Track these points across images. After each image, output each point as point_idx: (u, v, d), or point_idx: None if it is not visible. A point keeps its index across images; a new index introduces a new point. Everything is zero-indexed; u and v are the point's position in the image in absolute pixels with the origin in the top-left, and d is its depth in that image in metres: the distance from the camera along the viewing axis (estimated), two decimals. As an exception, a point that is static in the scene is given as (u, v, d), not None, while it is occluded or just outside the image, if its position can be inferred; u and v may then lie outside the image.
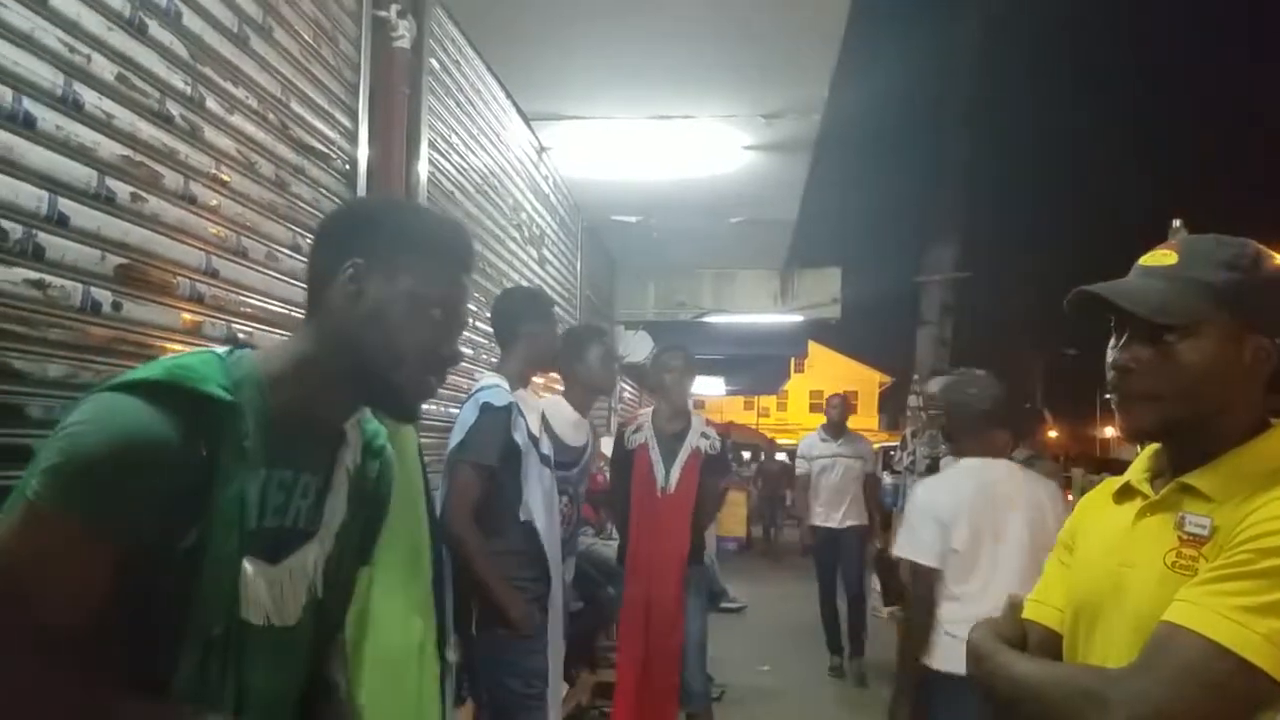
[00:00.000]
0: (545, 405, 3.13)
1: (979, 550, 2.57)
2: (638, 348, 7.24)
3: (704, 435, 3.86)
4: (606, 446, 4.57)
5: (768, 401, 31.27)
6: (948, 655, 2.50)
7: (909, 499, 3.14)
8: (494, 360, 3.80)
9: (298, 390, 1.08)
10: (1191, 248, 1.15)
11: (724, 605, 8.06)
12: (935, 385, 3.56)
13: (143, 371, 1.01)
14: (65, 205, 1.50)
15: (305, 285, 1.16)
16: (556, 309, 3.35)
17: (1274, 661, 0.95)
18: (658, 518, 3.74)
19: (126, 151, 1.65)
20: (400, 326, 1.10)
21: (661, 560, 3.72)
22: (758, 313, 8.21)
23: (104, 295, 1.60)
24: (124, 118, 1.64)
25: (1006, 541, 2.56)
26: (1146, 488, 1.19)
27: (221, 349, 1.09)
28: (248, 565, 1.04)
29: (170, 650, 0.98)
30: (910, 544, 2.67)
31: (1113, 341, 1.17)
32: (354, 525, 1.20)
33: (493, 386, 2.66)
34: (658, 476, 3.76)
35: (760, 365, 11.70)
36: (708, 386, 13.90)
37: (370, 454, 1.24)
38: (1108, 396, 1.17)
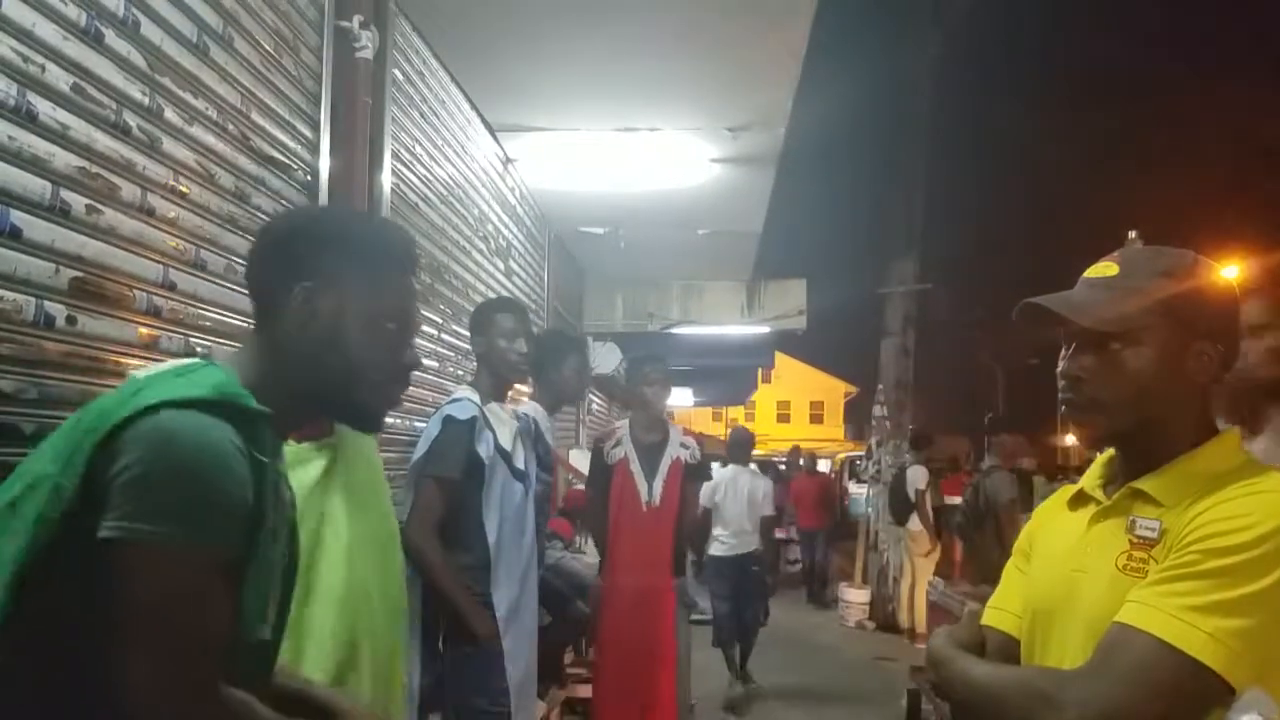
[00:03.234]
0: (530, 410, 3.12)
1: (725, 503, 6.29)
2: (606, 359, 7.23)
3: (683, 445, 3.84)
4: (576, 459, 4.53)
5: (735, 413, 31.36)
6: (715, 547, 6.27)
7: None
8: (460, 372, 3.79)
9: (264, 404, 1.08)
10: (1132, 258, 1.20)
11: (694, 618, 8.03)
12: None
13: (184, 389, 0.98)
14: (18, 217, 1.47)
15: (251, 299, 1.16)
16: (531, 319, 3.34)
17: (1221, 659, 0.97)
18: (643, 532, 3.71)
19: (82, 163, 1.62)
20: (359, 346, 1.11)
21: (649, 574, 3.69)
22: (725, 324, 8.24)
23: (58, 309, 1.56)
24: (80, 128, 1.61)
25: (736, 501, 6.31)
26: (1099, 494, 1.21)
27: (191, 361, 1.09)
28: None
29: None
30: (703, 496, 5.34)
31: (1063, 352, 1.20)
32: (292, 530, 1.21)
33: (459, 400, 2.65)
34: (641, 490, 3.73)
35: (728, 377, 11.74)
36: (676, 398, 13.91)
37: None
38: (1060, 406, 1.20)
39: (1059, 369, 1.20)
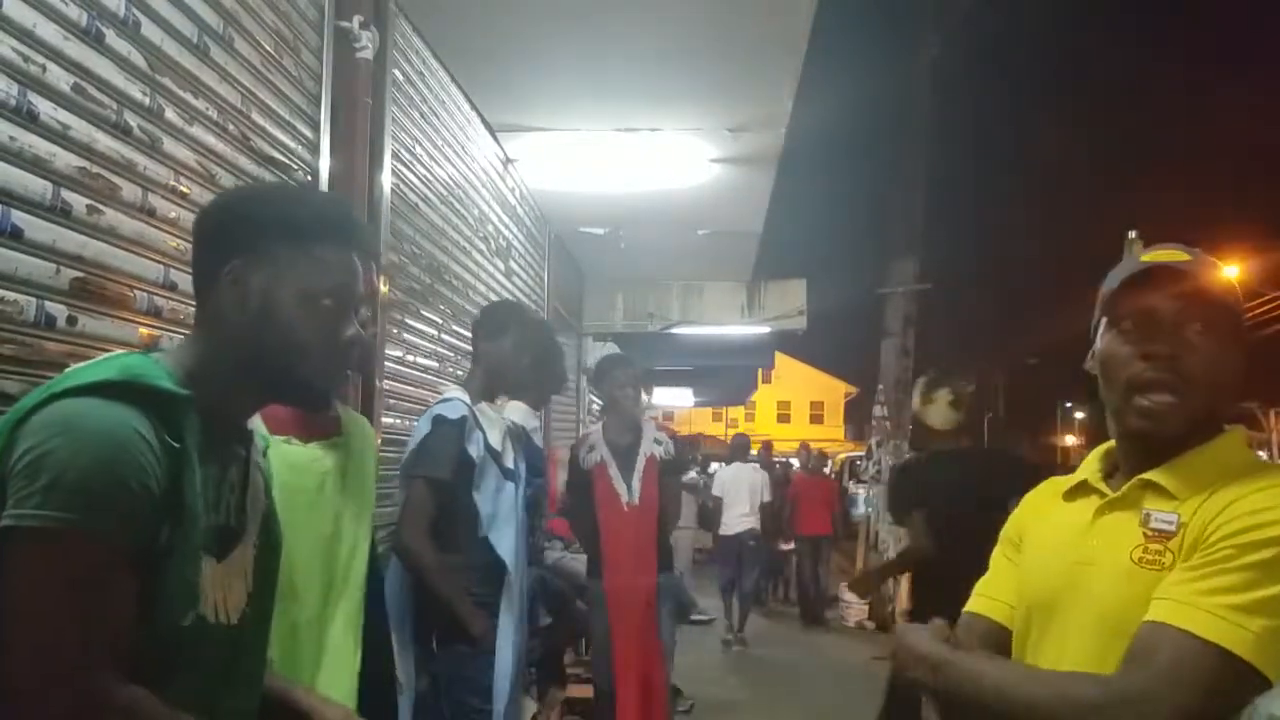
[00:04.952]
0: (509, 412, 3.12)
1: (729, 493, 8.59)
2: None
3: (656, 441, 3.88)
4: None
5: (735, 413, 31.35)
6: (723, 528, 8.50)
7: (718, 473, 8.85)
8: (460, 372, 3.79)
9: (207, 389, 1.07)
10: (1194, 253, 1.16)
11: (693, 618, 8.06)
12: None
13: (90, 374, 0.98)
14: (19, 218, 1.47)
15: (193, 286, 1.14)
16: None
17: (1261, 655, 0.96)
18: (628, 532, 3.74)
19: (83, 163, 1.62)
20: (294, 324, 1.08)
21: (638, 573, 3.72)
22: (725, 324, 8.25)
23: (59, 309, 1.56)
24: (80, 128, 1.61)
25: (739, 492, 8.54)
26: (1103, 485, 1.19)
27: (118, 352, 1.08)
28: (203, 561, 1.03)
29: (133, 653, 0.95)
30: (715, 488, 8.87)
31: (1114, 334, 1.16)
32: (270, 520, 1.20)
33: (449, 399, 2.65)
34: (620, 491, 3.75)
35: (728, 376, 11.74)
36: (676, 398, 13.90)
37: (262, 450, 1.24)
38: (1130, 390, 1.13)
39: (1130, 351, 1.13)
